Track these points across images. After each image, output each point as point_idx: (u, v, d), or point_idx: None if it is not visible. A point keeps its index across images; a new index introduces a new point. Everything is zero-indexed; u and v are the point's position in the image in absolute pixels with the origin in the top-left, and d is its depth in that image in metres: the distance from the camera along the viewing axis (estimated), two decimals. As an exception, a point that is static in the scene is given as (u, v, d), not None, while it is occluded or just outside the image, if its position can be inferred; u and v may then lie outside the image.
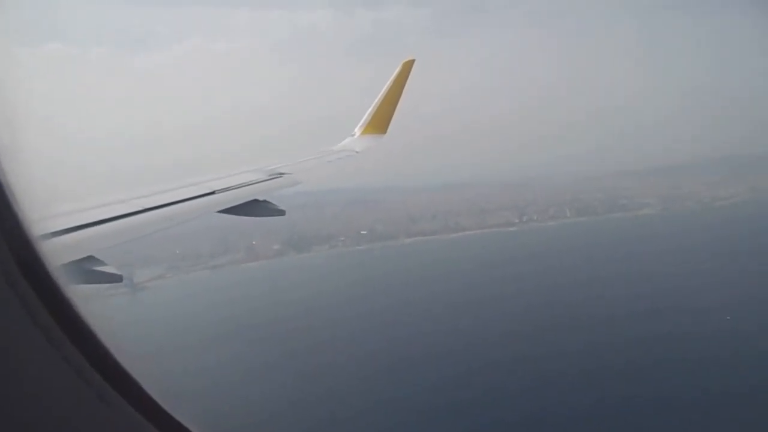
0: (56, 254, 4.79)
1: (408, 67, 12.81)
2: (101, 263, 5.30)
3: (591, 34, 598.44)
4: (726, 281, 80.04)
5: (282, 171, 9.74)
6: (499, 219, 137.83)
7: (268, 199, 8.64)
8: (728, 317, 66.93)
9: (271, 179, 9.31)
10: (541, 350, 62.55)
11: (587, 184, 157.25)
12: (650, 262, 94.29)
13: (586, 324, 69.44)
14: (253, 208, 8.36)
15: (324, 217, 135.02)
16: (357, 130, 12.89)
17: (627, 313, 71.70)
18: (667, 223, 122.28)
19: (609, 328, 67.79)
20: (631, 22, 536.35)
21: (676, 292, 77.76)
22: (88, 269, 5.12)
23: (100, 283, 5.21)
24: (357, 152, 11.97)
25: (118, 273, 5.35)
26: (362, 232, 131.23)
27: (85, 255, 5.22)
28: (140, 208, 6.73)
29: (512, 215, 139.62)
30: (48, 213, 5.52)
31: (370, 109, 12.91)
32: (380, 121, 12.75)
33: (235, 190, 8.43)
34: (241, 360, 64.94)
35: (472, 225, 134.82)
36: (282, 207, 8.72)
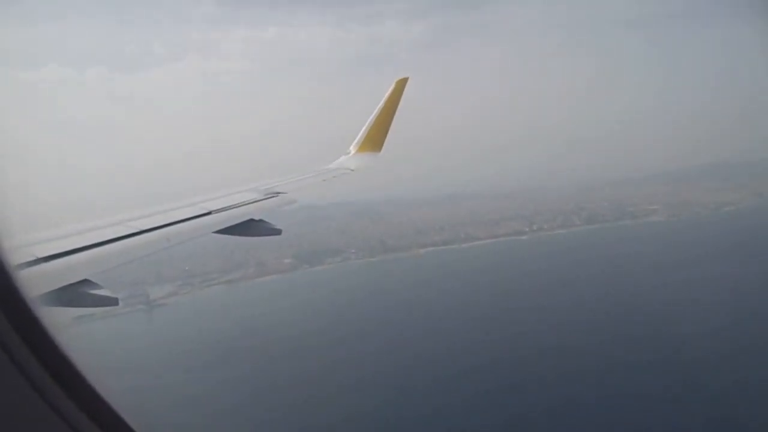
0: (51, 279, 5.01)
1: (401, 84, 12.90)
2: (97, 286, 5.44)
3: (591, 43, 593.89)
4: (752, 285, 79.99)
5: (278, 190, 9.90)
6: (509, 228, 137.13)
7: (264, 219, 8.80)
8: None
9: (267, 198, 9.47)
10: (575, 351, 63.83)
11: (588, 193, 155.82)
12: (672, 267, 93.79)
13: (618, 328, 70.46)
14: (249, 227, 8.49)
15: (329, 230, 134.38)
16: (352, 148, 12.97)
17: (653, 318, 71.88)
18: (678, 230, 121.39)
19: (637, 331, 68.62)
20: (631, 30, 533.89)
21: (703, 297, 77.58)
22: (83, 293, 5.26)
23: (95, 306, 5.35)
24: (352, 170, 12.08)
25: (113, 296, 5.48)
26: (373, 243, 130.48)
27: (81, 278, 5.37)
28: (137, 230, 6.90)
29: (521, 225, 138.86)
30: (40, 237, 5.73)
31: (364, 127, 13.02)
32: (375, 139, 12.84)
33: (232, 210, 8.55)
34: (283, 373, 64.67)
35: (483, 235, 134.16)
36: (280, 224, 8.84)
